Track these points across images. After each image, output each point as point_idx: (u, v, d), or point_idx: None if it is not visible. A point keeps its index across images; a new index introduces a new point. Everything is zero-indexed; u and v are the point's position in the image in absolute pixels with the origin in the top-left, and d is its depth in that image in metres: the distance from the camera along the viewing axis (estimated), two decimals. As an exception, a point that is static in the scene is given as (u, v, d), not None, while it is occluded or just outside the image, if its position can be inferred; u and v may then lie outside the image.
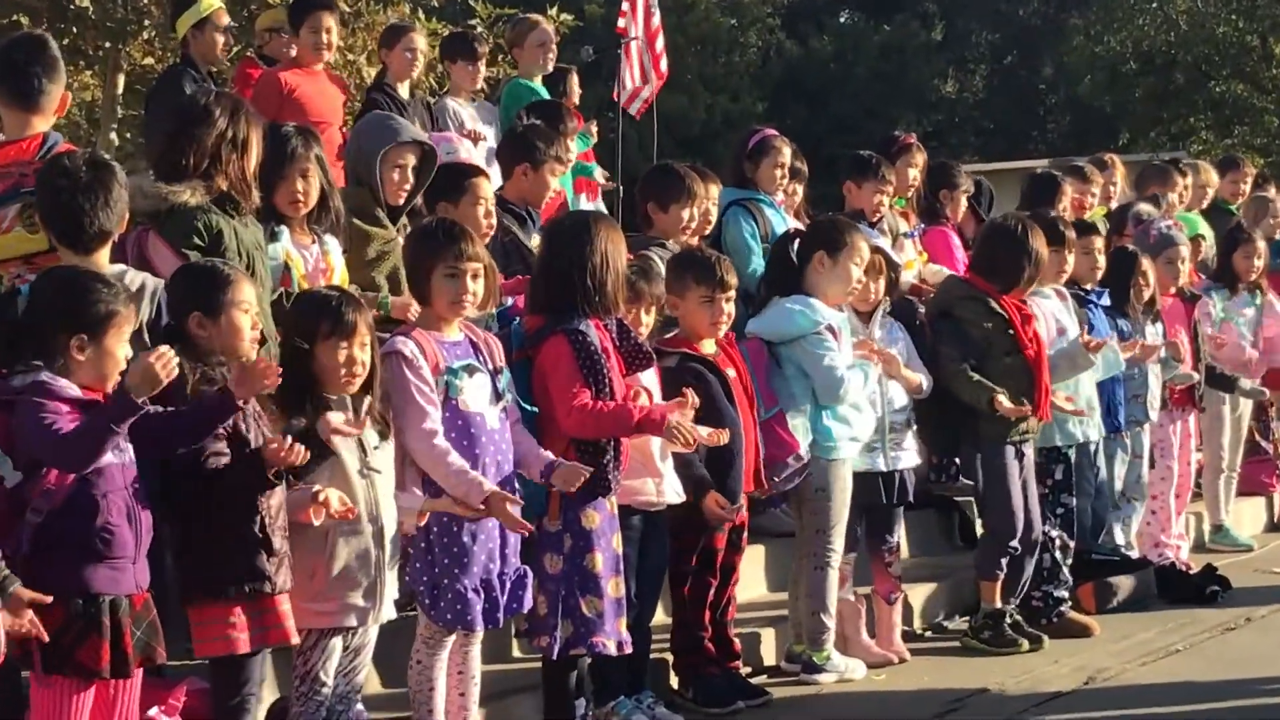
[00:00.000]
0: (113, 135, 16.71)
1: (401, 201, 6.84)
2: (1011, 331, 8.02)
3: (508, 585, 5.77)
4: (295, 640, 5.17)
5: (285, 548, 5.10)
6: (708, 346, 6.89)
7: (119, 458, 4.63)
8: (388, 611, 5.45)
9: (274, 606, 5.05)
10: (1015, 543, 8.02)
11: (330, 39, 9.46)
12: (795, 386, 7.28)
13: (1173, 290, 9.87)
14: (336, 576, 5.29)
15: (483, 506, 5.56)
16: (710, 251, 7.22)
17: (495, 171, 8.10)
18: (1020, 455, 8.09)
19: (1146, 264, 9.39)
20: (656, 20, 13.48)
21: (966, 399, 7.94)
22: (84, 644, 4.56)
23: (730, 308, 6.89)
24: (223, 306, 5.08)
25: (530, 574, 5.87)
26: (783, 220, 8.72)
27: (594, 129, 10.94)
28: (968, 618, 8.29)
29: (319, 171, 6.28)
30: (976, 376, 7.92)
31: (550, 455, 5.87)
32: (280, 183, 6.20)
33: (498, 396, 5.80)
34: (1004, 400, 7.86)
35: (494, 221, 7.03)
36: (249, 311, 5.14)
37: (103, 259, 5.30)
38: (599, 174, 10.86)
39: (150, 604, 4.75)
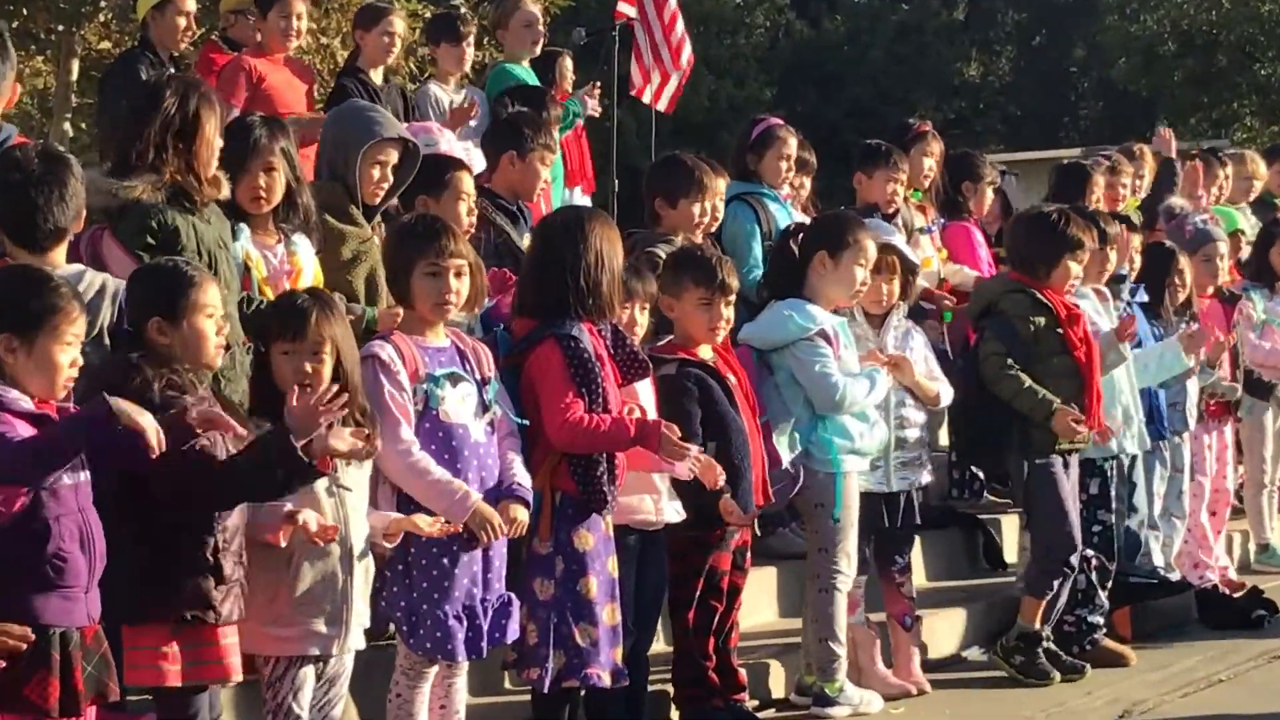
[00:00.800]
0: (67, 125, 16.75)
1: (378, 201, 6.85)
2: (1060, 330, 8.02)
3: (490, 613, 5.76)
4: (236, 679, 5.12)
5: (238, 575, 5.06)
6: (705, 352, 6.89)
7: (72, 477, 4.60)
8: (355, 640, 5.44)
9: (215, 639, 5.00)
10: (1071, 559, 8.01)
11: (300, 25, 9.48)
12: (786, 395, 7.28)
13: (1210, 290, 9.88)
14: (299, 601, 5.28)
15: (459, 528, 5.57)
16: (711, 251, 7.22)
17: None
18: (1067, 466, 8.09)
19: (1184, 262, 9.40)
20: (673, 4, 13.48)
21: (1022, 408, 7.92)
22: (31, 680, 4.50)
23: (729, 312, 6.89)
24: (184, 311, 5.05)
25: (516, 601, 5.87)
26: (788, 215, 8.74)
27: (595, 99, 10.84)
28: (993, 647, 8.28)
29: (285, 165, 6.28)
30: (1029, 382, 7.88)
31: (520, 479, 5.82)
32: (242, 176, 6.19)
33: (484, 408, 5.80)
34: (1066, 415, 7.83)
35: (475, 220, 7.04)
36: (214, 315, 5.12)
37: (58, 258, 5.29)
38: (591, 102, 10.73)
39: (101, 636, 4.70)
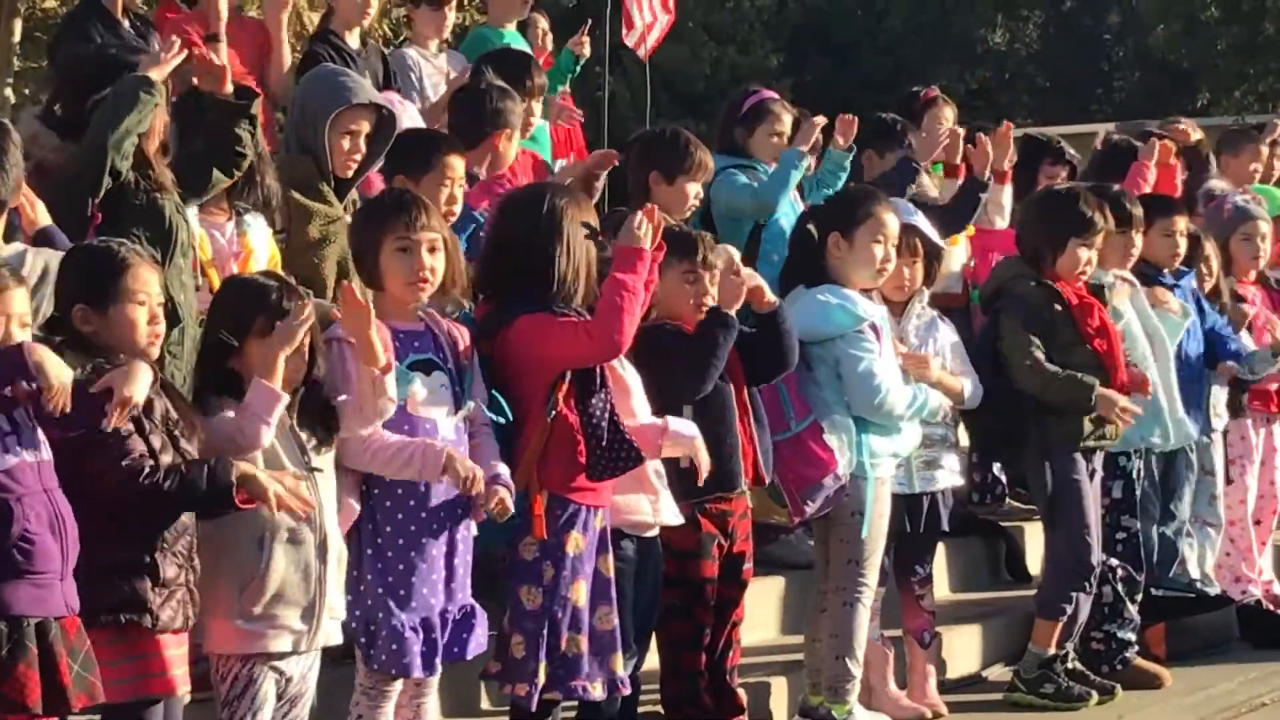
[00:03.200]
0: (8, 91, 16.72)
1: (350, 174, 6.84)
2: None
3: (450, 624, 5.74)
4: (182, 693, 5.11)
5: (184, 579, 5.03)
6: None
7: (33, 455, 4.61)
8: (326, 636, 5.43)
9: (157, 649, 4.98)
10: (1092, 575, 8.01)
11: None
12: (828, 392, 7.27)
13: (1253, 276, 9.88)
14: (273, 593, 5.27)
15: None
16: (688, 228, 7.20)
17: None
18: (1090, 467, 8.09)
19: (1210, 248, 9.38)
20: None
21: (1056, 399, 7.92)
22: (8, 676, 4.49)
23: (715, 290, 6.81)
24: (111, 297, 5.03)
25: (480, 613, 5.84)
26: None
27: (585, 46, 10.81)
28: (1013, 667, 8.29)
29: (249, 139, 6.29)
30: (1052, 367, 7.88)
31: (500, 470, 5.81)
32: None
33: (456, 401, 5.80)
34: (1108, 392, 7.83)
35: (458, 209, 7.02)
36: (145, 302, 5.08)
37: (-4, 234, 5.33)
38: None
39: (83, 632, 4.70)
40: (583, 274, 6.11)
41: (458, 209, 7.02)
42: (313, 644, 5.40)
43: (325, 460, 5.45)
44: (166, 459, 4.93)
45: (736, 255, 7.03)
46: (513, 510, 5.79)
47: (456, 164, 7.02)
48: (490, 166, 7.74)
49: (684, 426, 6.37)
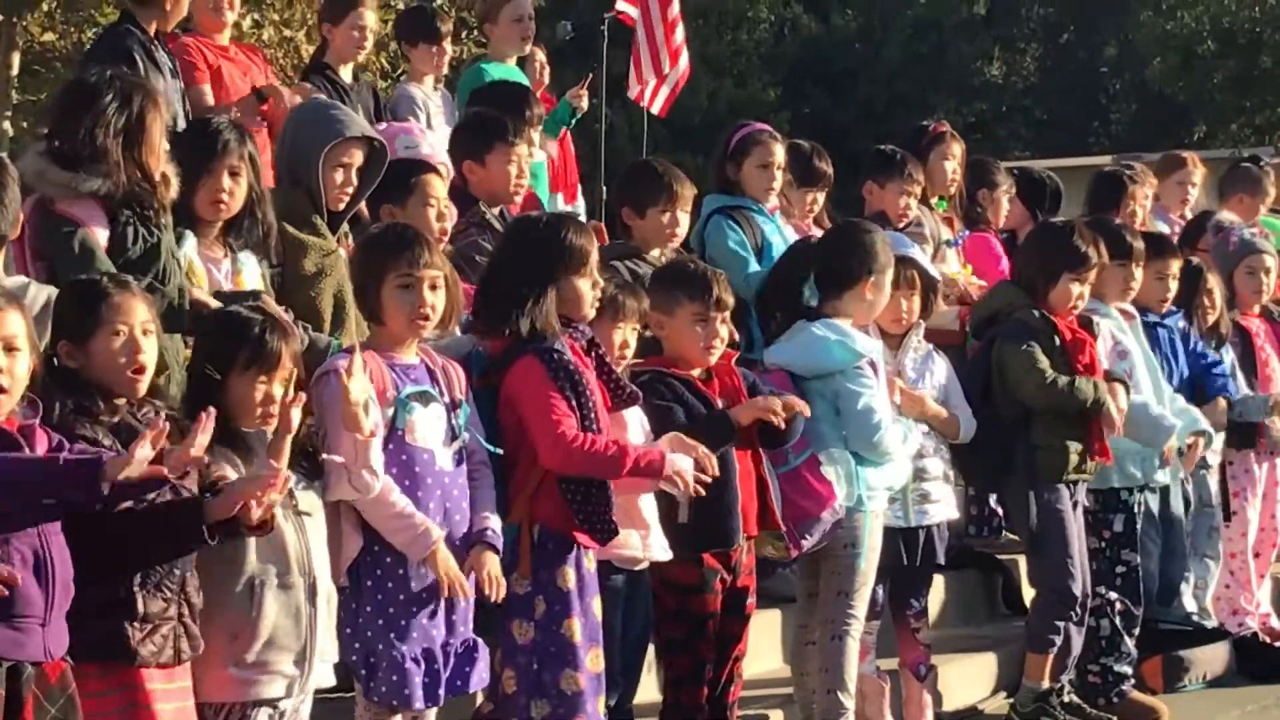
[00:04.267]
0: (6, 124, 16.74)
1: (342, 207, 6.86)
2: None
3: (453, 657, 5.75)
4: None
5: (173, 612, 4.98)
6: (697, 372, 6.85)
7: None
8: (317, 679, 5.42)
9: (140, 683, 4.91)
10: (1076, 605, 8.01)
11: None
12: (825, 426, 7.26)
13: (1257, 309, 9.89)
14: (264, 638, 5.26)
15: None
16: (701, 264, 7.21)
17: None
18: (1074, 499, 8.10)
19: (1214, 281, 9.40)
20: (676, 8, 13.60)
21: (1074, 408, 7.91)
22: None
23: (725, 330, 6.86)
24: (91, 330, 5.01)
25: (482, 647, 5.85)
26: (777, 230, 8.66)
27: (585, 95, 10.84)
28: (1010, 700, 8.28)
29: (250, 172, 6.31)
30: (1067, 379, 7.90)
31: (491, 524, 5.82)
32: (206, 179, 6.24)
33: (453, 434, 5.80)
34: (1110, 400, 7.88)
35: (448, 226, 7.04)
36: (122, 332, 5.02)
37: (-3, 268, 5.32)
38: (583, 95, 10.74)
39: (69, 677, 4.66)
40: (585, 302, 6.12)
41: (449, 226, 7.02)
42: (305, 687, 5.39)
43: (314, 503, 5.43)
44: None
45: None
46: (498, 573, 5.79)
47: (435, 184, 7.04)
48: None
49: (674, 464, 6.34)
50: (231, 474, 5.16)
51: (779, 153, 8.77)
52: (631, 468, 6.03)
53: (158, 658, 4.95)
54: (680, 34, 13.66)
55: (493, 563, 5.76)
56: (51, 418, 4.73)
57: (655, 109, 13.73)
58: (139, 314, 5.09)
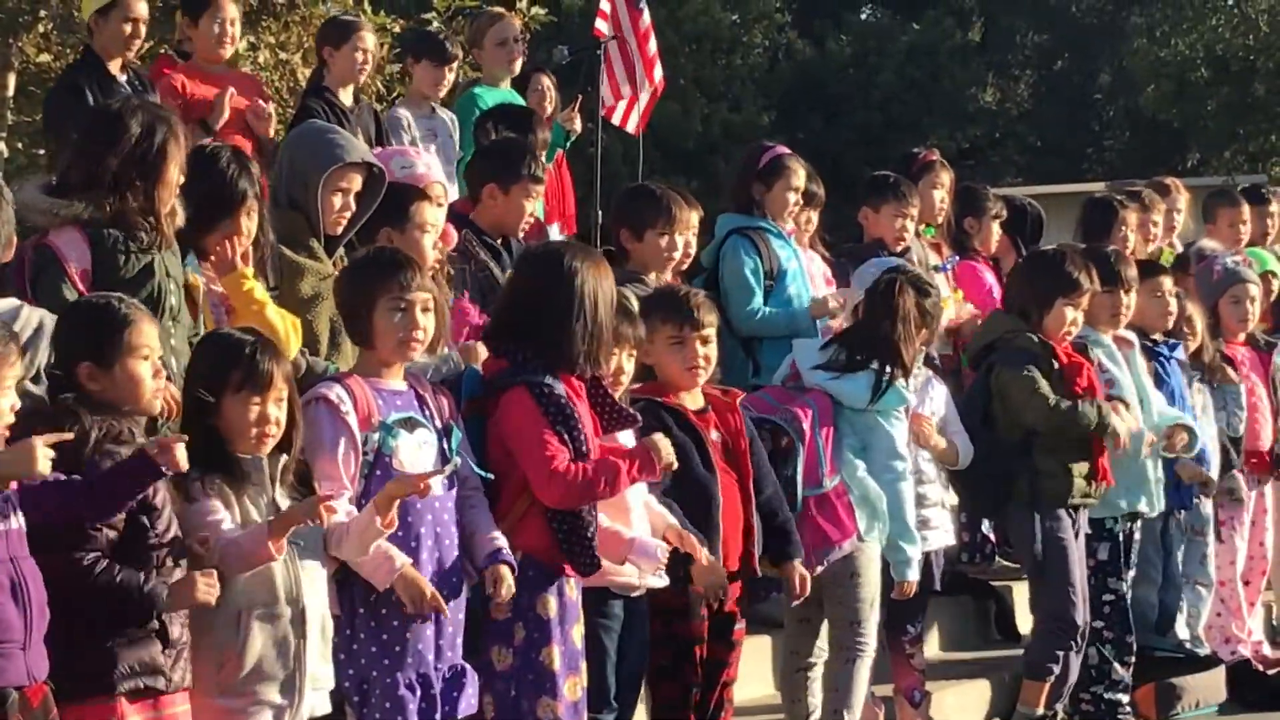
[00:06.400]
0: (1, 145, 16.71)
1: (339, 231, 6.86)
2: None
3: (443, 681, 5.73)
4: None
5: (186, 638, 5.05)
6: (691, 401, 6.82)
7: (1, 524, 4.58)
8: (310, 707, 5.41)
9: (169, 708, 4.99)
10: (1077, 634, 8.01)
11: (234, 31, 9.38)
12: (856, 456, 7.35)
13: (1242, 337, 9.90)
14: (250, 668, 5.26)
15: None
16: (680, 285, 7.21)
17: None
18: (1075, 526, 8.10)
19: (1193, 310, 9.40)
20: (646, 19, 13.54)
21: (1080, 426, 7.93)
22: None
23: (708, 350, 6.79)
24: (117, 354, 5.04)
25: (471, 672, 5.83)
26: (793, 254, 8.71)
27: (577, 118, 10.85)
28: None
29: (258, 208, 6.32)
30: (1054, 396, 7.91)
31: (501, 542, 5.82)
32: (225, 222, 6.22)
33: (445, 459, 5.78)
34: (1119, 420, 7.92)
35: (441, 253, 7.02)
36: (149, 358, 5.10)
37: (-12, 292, 5.32)
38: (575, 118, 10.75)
39: (50, 700, 4.66)
40: (601, 342, 6.10)
41: (440, 252, 7.03)
42: (296, 717, 5.38)
43: (303, 530, 5.39)
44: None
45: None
46: (514, 589, 5.79)
47: (428, 210, 7.03)
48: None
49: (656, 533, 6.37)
50: (222, 512, 5.16)
51: (803, 176, 8.86)
52: (630, 470, 6.01)
53: (183, 682, 5.01)
54: (653, 46, 13.63)
55: (510, 579, 5.77)
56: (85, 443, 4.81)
57: (630, 127, 13.68)
58: (156, 337, 5.16)
